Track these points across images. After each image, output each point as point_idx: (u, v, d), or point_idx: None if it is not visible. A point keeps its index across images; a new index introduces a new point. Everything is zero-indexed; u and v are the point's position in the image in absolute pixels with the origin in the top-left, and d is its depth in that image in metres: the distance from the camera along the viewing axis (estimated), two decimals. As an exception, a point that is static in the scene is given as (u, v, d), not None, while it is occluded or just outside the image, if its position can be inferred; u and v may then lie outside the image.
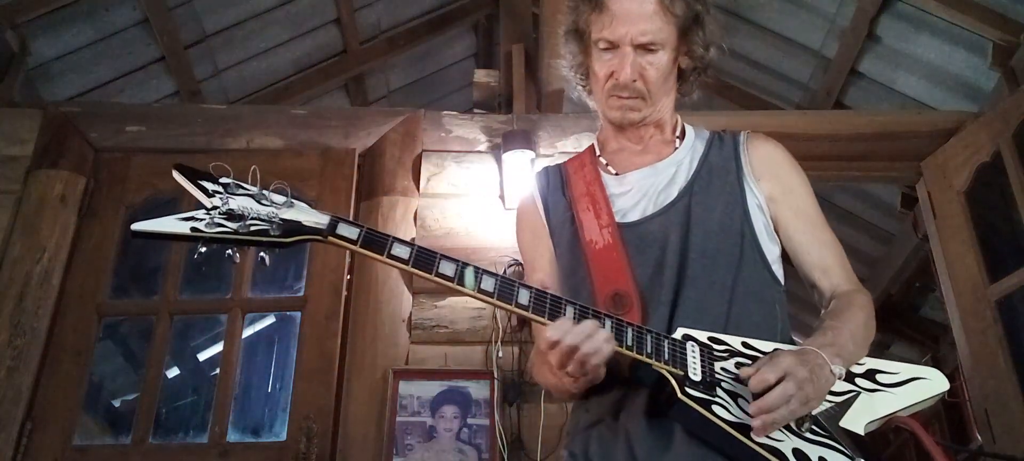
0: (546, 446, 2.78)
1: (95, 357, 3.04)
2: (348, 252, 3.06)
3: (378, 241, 1.22)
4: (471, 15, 4.99)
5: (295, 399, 2.88)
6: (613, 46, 1.46)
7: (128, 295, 3.34)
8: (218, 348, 3.79)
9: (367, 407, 2.84)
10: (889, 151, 3.43)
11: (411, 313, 3.01)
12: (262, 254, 1.21)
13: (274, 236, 1.20)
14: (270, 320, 4.36)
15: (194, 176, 1.21)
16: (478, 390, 2.85)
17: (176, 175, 1.22)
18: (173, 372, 4.54)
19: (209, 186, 1.21)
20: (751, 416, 1.19)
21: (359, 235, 1.22)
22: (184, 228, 1.15)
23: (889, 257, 4.78)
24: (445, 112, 3.48)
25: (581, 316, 1.24)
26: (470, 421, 2.80)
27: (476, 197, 3.23)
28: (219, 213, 1.17)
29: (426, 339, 2.97)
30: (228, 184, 1.22)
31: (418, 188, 3.23)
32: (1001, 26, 3.32)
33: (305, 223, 1.22)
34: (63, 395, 2.86)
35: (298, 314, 3.04)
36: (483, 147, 3.34)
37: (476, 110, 3.71)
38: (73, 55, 3.75)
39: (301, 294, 3.05)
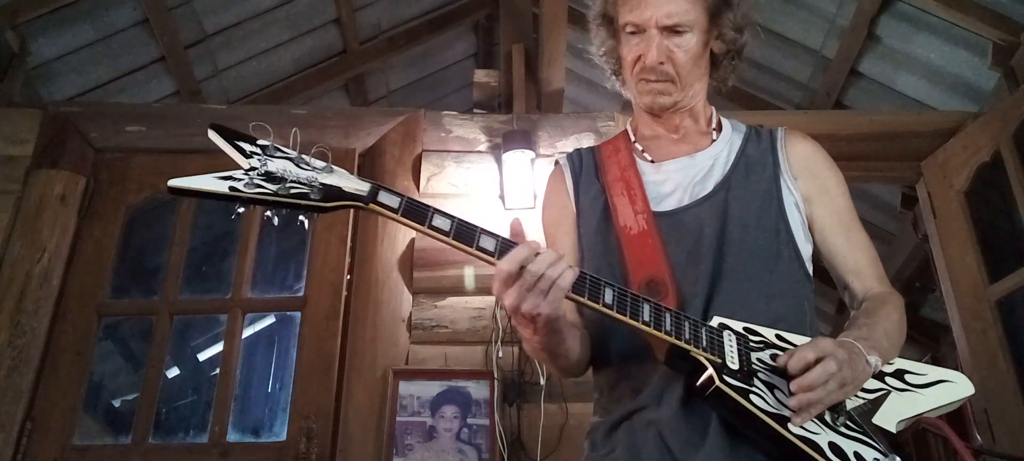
0: (546, 446, 2.77)
1: (95, 357, 3.03)
2: (349, 250, 3.08)
3: (418, 211, 1.19)
4: (471, 15, 4.98)
5: (295, 399, 2.88)
6: (640, 29, 1.45)
7: (128, 295, 3.34)
8: (218, 348, 3.80)
9: (367, 407, 2.84)
10: (889, 151, 3.43)
11: (411, 313, 3.01)
12: (301, 218, 1.17)
13: (314, 200, 1.15)
14: (270, 320, 4.37)
15: (230, 136, 1.17)
16: (478, 390, 2.85)
17: (211, 135, 1.18)
18: (173, 372, 4.54)
19: (246, 147, 1.16)
20: (789, 406, 1.19)
21: (400, 204, 1.19)
22: (222, 187, 1.10)
23: (889, 257, 4.78)
24: (445, 112, 3.48)
25: (619, 300, 1.22)
26: (470, 421, 2.80)
27: (476, 197, 3.23)
28: (258, 174, 1.13)
29: (426, 339, 2.97)
30: (266, 146, 1.17)
31: (418, 188, 3.23)
32: (1001, 26, 3.32)
33: (345, 189, 1.18)
34: (63, 395, 2.86)
35: (298, 314, 3.04)
36: (483, 147, 3.34)
37: (476, 110, 3.72)
38: (73, 55, 3.75)
39: (301, 294, 3.05)
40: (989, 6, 3.34)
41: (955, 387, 1.37)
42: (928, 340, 5.36)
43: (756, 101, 4.46)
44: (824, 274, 1.54)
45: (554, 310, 1.19)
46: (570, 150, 1.65)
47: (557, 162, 1.62)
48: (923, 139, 3.39)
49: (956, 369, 1.40)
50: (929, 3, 3.46)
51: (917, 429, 1.35)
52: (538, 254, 1.16)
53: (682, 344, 1.23)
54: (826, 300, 5.11)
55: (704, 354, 1.23)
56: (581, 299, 1.21)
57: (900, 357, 1.38)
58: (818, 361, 1.19)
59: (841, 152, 3.45)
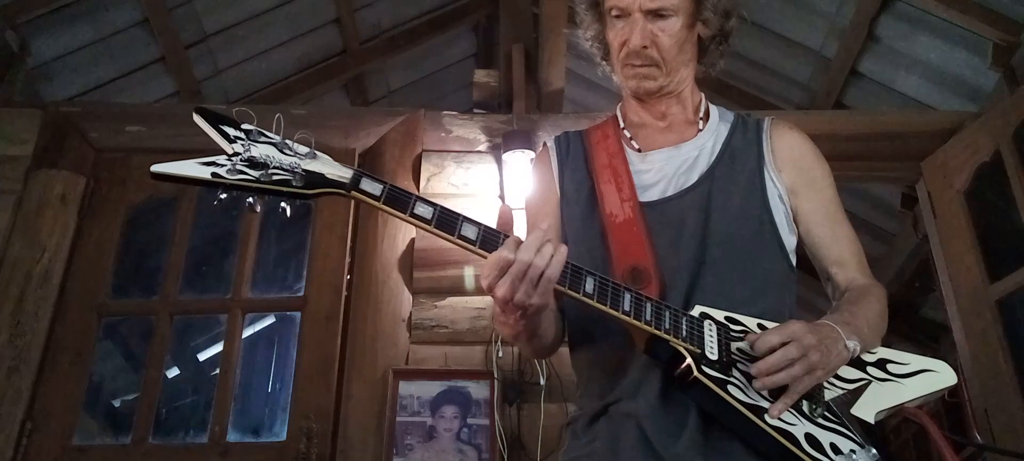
0: (546, 446, 2.77)
1: (95, 357, 3.04)
2: (349, 250, 3.08)
3: (401, 199, 1.18)
4: (471, 15, 4.98)
5: (295, 399, 2.88)
6: (624, 13, 1.44)
7: (128, 295, 3.34)
8: (218, 348, 3.79)
9: (367, 407, 2.84)
10: (889, 151, 3.43)
11: (411, 313, 3.01)
12: (283, 205, 1.17)
13: (296, 187, 1.14)
14: (270, 320, 4.36)
15: (215, 120, 1.17)
16: (478, 390, 2.85)
17: (197, 118, 1.17)
18: (173, 372, 4.54)
19: (231, 132, 1.16)
20: (753, 389, 1.19)
21: (382, 191, 1.18)
22: (205, 173, 1.11)
23: (889, 257, 4.78)
24: (445, 112, 3.48)
25: (601, 290, 1.22)
26: (470, 421, 2.80)
27: (476, 197, 3.23)
28: (241, 160, 1.13)
29: (426, 339, 2.97)
30: (250, 131, 1.17)
31: (418, 188, 3.23)
32: (1001, 26, 3.32)
33: (328, 176, 1.18)
34: (63, 395, 2.86)
35: (298, 314, 3.04)
36: (483, 147, 3.34)
37: (476, 110, 3.71)
38: (73, 55, 3.76)
39: (301, 294, 3.05)
40: (989, 6, 3.34)
41: (938, 377, 1.36)
42: (928, 340, 5.36)
43: (756, 101, 4.46)
44: (810, 265, 1.54)
45: (545, 300, 1.18)
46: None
47: (545, 144, 1.61)
48: (923, 139, 3.39)
49: (956, 369, 1.39)
50: (929, 3, 3.46)
51: (898, 419, 1.34)
52: (522, 243, 1.15)
53: (661, 334, 1.23)
54: (824, 298, 5.10)
55: (683, 344, 1.22)
56: (562, 288, 1.20)
57: (884, 346, 1.38)
58: (782, 345, 1.19)
59: (841, 152, 3.50)
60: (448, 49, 5.25)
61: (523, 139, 3.20)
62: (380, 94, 5.21)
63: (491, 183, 3.25)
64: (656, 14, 1.42)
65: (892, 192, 4.36)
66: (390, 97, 5.24)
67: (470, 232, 1.19)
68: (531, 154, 3.18)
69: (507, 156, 3.19)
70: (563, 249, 1.17)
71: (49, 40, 3.64)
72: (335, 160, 1.21)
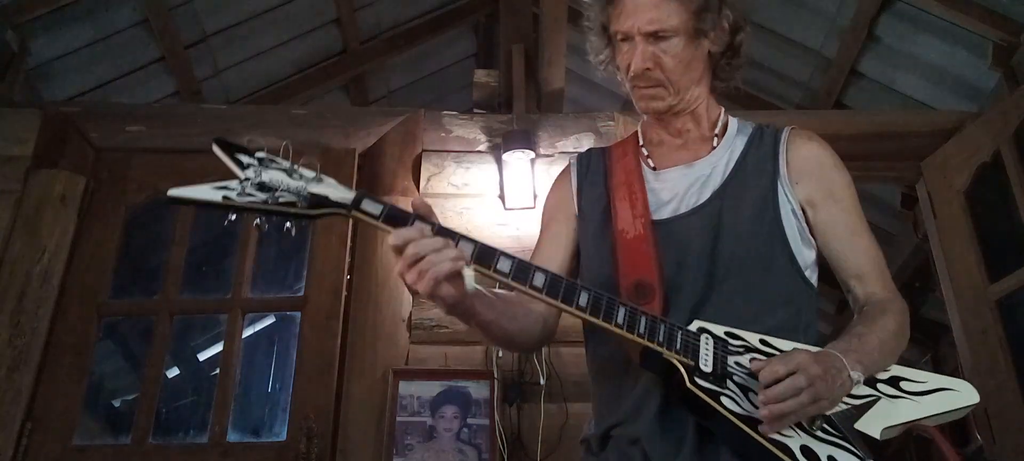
0: (546, 446, 2.77)
1: (95, 357, 3.03)
2: (349, 250, 3.08)
3: (399, 217, 1.24)
4: (471, 15, 4.98)
5: (295, 399, 2.88)
6: (627, 37, 1.46)
7: (128, 295, 3.34)
8: (218, 348, 3.80)
9: (367, 407, 2.84)
10: (889, 151, 3.43)
11: (411, 313, 3.01)
12: (288, 225, 1.25)
13: (301, 208, 1.23)
14: (270, 320, 4.36)
15: (230, 149, 1.25)
16: (478, 390, 2.85)
17: (215, 149, 1.25)
18: (173, 372, 4.54)
19: (244, 159, 1.24)
20: (758, 417, 1.19)
21: (382, 211, 1.24)
22: (216, 196, 1.20)
23: (889, 257, 4.75)
24: (445, 112, 3.48)
25: (594, 303, 1.24)
26: (470, 421, 2.80)
27: (476, 197, 3.23)
28: (251, 184, 1.22)
29: (426, 339, 2.97)
30: (262, 158, 1.25)
31: (418, 188, 3.23)
32: (1001, 26, 3.32)
33: (331, 198, 1.25)
34: (63, 395, 2.86)
35: (298, 314, 3.04)
36: (483, 147, 3.34)
37: (476, 110, 3.71)
38: (73, 55, 3.75)
39: (301, 294, 3.05)
40: (989, 6, 3.34)
41: (957, 395, 1.34)
42: (928, 340, 5.36)
43: (756, 101, 4.46)
44: (827, 272, 1.54)
45: (431, 290, 1.19)
46: (570, 150, 1.67)
47: (570, 161, 1.65)
48: (923, 139, 3.39)
49: (956, 369, 1.39)
50: (929, 3, 3.46)
51: (912, 436, 1.33)
52: (429, 238, 1.19)
53: (654, 346, 1.24)
54: (827, 300, 5.10)
55: (676, 356, 1.24)
56: (555, 301, 1.24)
57: (901, 363, 1.36)
58: (789, 375, 1.18)
59: (841, 152, 3.44)
60: (448, 49, 5.24)
61: (523, 139, 3.20)
62: (380, 94, 5.21)
63: (491, 183, 3.25)
64: (655, 36, 1.44)
65: (892, 192, 4.36)
66: (390, 97, 5.24)
67: (465, 248, 1.24)
68: (531, 154, 3.18)
69: (507, 156, 3.19)
70: (459, 264, 1.20)
71: (49, 40, 3.63)
72: (339, 182, 1.28)
